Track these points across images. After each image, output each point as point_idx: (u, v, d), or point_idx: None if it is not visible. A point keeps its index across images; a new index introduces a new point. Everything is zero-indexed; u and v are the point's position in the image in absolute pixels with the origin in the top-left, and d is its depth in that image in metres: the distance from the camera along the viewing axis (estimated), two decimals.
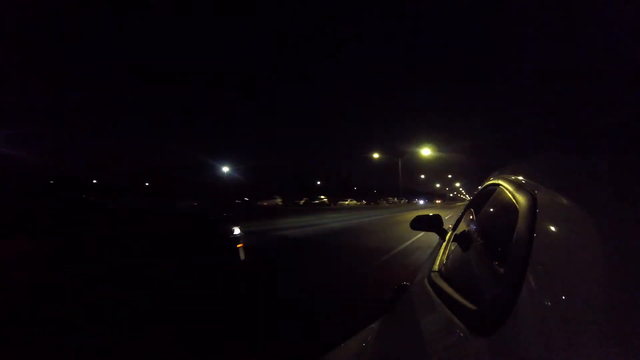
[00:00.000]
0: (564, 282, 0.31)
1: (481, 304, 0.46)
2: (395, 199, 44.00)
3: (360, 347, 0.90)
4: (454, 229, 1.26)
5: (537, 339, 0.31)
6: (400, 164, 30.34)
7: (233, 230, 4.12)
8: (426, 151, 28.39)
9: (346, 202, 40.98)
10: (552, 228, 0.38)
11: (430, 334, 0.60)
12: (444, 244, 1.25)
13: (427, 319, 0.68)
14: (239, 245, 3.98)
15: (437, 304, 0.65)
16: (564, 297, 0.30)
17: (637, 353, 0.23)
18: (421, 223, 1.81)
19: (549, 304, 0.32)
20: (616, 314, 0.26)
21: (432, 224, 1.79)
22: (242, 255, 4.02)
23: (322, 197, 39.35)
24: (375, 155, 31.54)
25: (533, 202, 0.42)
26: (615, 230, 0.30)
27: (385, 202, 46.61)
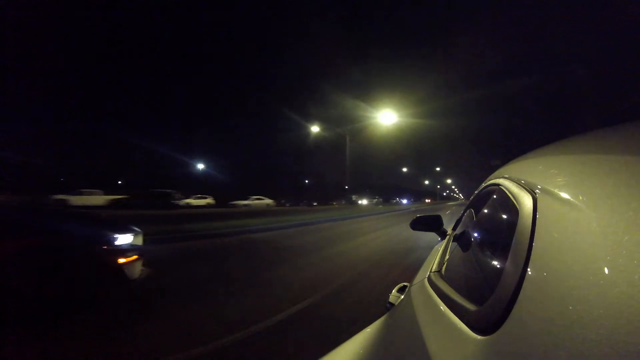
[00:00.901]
0: (565, 282, 0.31)
1: (481, 304, 0.46)
2: (355, 199, 29.65)
3: (360, 348, 0.90)
4: (454, 229, 1.27)
5: (538, 338, 0.31)
6: (348, 140, 20.01)
7: (112, 239, 2.92)
8: (388, 117, 17.33)
9: (243, 202, 26.45)
10: (552, 228, 0.38)
11: (430, 334, 0.60)
12: (444, 244, 1.26)
13: (427, 319, 0.68)
14: (125, 260, 2.88)
15: (437, 304, 0.65)
16: (564, 297, 0.30)
17: (638, 353, 0.23)
18: (421, 224, 1.83)
19: (549, 304, 0.32)
20: (616, 314, 0.26)
21: (432, 224, 1.81)
22: (134, 273, 2.96)
23: (172, 191, 21.77)
24: (316, 129, 21.22)
25: (533, 202, 0.42)
26: (616, 230, 0.30)
27: (343, 201, 32.30)
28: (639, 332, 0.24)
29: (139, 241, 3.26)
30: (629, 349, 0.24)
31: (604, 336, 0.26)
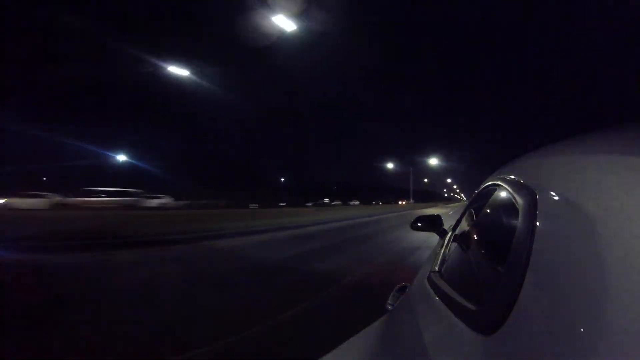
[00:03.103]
0: (564, 282, 0.31)
1: (481, 304, 0.46)
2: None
3: (360, 348, 0.90)
4: (454, 229, 1.27)
5: (538, 339, 0.31)
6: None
7: None
8: None
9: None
10: (552, 228, 0.37)
11: (430, 334, 0.60)
12: (444, 244, 1.26)
13: (427, 319, 0.68)
14: None
15: (437, 304, 0.65)
16: (564, 297, 0.30)
17: (638, 353, 0.23)
18: (421, 223, 1.84)
19: (549, 304, 0.32)
20: (616, 314, 0.26)
21: (433, 224, 1.82)
22: None
23: None
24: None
25: (533, 202, 0.42)
26: (616, 230, 0.30)
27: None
28: (638, 332, 0.24)
29: None
30: (630, 349, 0.24)
31: (604, 336, 0.25)
